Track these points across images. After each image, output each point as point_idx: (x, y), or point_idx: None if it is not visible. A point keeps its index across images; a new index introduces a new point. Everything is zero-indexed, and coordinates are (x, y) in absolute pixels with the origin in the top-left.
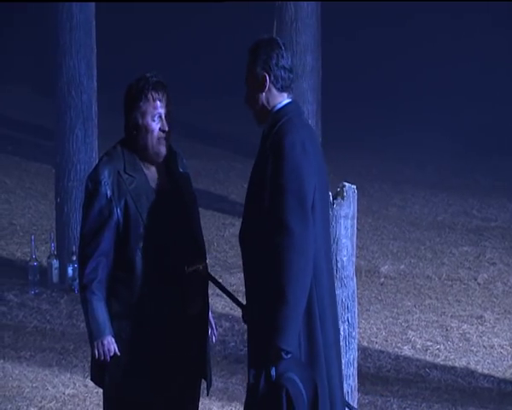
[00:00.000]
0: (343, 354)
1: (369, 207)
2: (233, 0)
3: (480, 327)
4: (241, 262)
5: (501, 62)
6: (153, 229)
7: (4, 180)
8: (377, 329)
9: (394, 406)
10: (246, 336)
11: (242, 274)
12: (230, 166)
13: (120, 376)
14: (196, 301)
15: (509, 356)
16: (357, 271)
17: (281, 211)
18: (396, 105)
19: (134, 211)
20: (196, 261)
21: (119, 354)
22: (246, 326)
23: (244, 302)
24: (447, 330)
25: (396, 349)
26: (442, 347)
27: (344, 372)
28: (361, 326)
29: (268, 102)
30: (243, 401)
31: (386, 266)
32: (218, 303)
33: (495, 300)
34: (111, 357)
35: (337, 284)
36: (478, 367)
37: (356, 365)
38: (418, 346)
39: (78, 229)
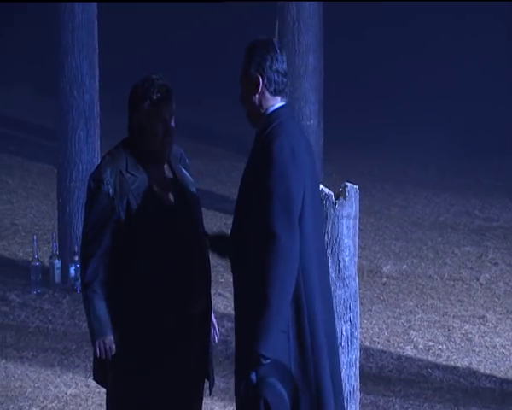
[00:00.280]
0: (345, 353)
1: (371, 207)
2: (234, 0)
3: (482, 327)
4: None
5: (503, 62)
6: (155, 229)
7: (6, 180)
8: (379, 329)
9: (396, 406)
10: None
11: None
12: (232, 166)
13: (123, 376)
14: (199, 302)
15: (511, 356)
16: (360, 271)
17: (267, 215)
18: (398, 105)
19: (136, 210)
20: (199, 270)
21: (120, 353)
22: None
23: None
24: (449, 330)
25: (398, 349)
26: (444, 347)
27: (346, 372)
28: (363, 326)
29: (261, 105)
30: None
31: (388, 266)
32: (220, 303)
33: (497, 300)
34: (112, 356)
35: (339, 284)
36: (480, 367)
37: (358, 365)
38: (420, 346)
39: (81, 229)
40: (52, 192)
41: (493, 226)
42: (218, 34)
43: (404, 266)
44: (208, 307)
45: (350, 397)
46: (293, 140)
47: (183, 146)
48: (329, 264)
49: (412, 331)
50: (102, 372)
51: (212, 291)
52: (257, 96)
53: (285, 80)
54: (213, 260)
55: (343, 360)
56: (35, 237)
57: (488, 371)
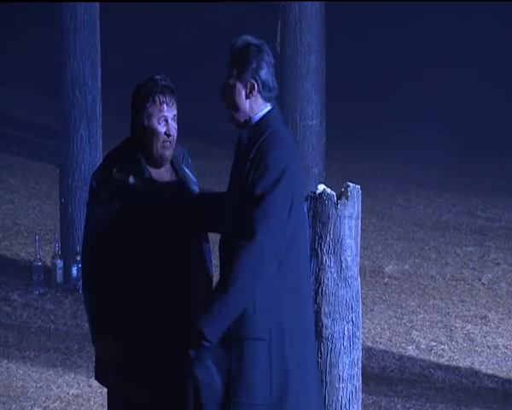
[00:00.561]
0: (347, 353)
1: (374, 207)
2: (236, 0)
3: (485, 327)
4: None
5: (505, 62)
6: (156, 229)
7: (8, 180)
8: (381, 329)
9: (398, 406)
10: None
11: None
12: None
13: (123, 375)
14: (200, 302)
15: None
16: (362, 271)
17: (250, 216)
18: (400, 105)
19: (137, 211)
20: (200, 264)
21: (120, 353)
22: None
23: None
24: (451, 330)
25: (400, 349)
26: (446, 347)
27: (348, 372)
28: (365, 326)
29: (251, 110)
30: None
31: (390, 267)
32: None
33: (499, 300)
34: (113, 356)
35: (341, 284)
36: (482, 367)
37: (360, 365)
38: (422, 346)
39: (83, 229)
40: (54, 192)
41: (495, 226)
42: (219, 34)
43: (406, 266)
44: None
45: (352, 397)
46: (287, 153)
47: (186, 146)
48: (331, 264)
49: (414, 331)
50: (104, 372)
51: None
52: (248, 101)
53: (276, 85)
54: (216, 259)
55: (345, 360)
56: (37, 237)
57: (490, 372)
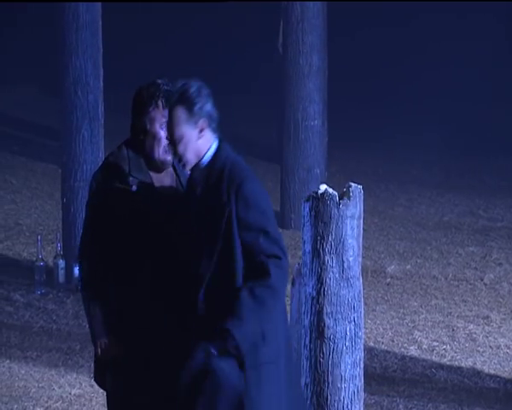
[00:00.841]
0: (349, 354)
1: (376, 207)
2: (239, 0)
3: (487, 327)
4: None
5: (507, 62)
6: (157, 234)
7: (11, 180)
8: (383, 329)
9: (400, 406)
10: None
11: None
12: None
13: (123, 377)
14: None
15: None
16: (364, 271)
17: (262, 246)
18: (402, 105)
19: (137, 215)
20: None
21: (121, 354)
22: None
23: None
24: (453, 330)
25: (402, 349)
26: (448, 347)
27: (350, 373)
28: (367, 326)
29: (204, 147)
30: None
31: (392, 267)
32: None
33: (501, 300)
34: (113, 357)
35: (343, 284)
36: (484, 367)
37: (362, 365)
38: (424, 346)
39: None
40: (56, 192)
41: (497, 226)
42: (221, 34)
43: (409, 267)
44: None
45: (354, 397)
46: (254, 179)
47: None
48: (333, 264)
49: (416, 331)
50: (102, 374)
51: None
52: (200, 140)
53: (217, 115)
54: None
55: (347, 360)
56: (39, 237)
57: (492, 372)
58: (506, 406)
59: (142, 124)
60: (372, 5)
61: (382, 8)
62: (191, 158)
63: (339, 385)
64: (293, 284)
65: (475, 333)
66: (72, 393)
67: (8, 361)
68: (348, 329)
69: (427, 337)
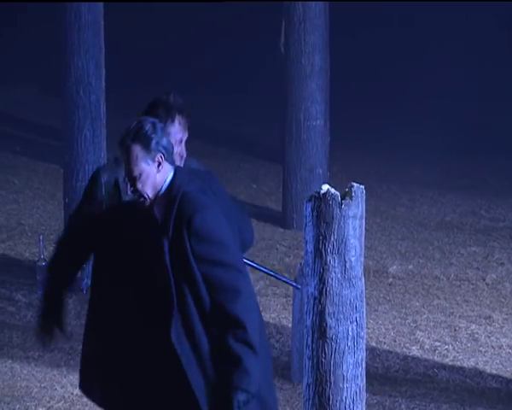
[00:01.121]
0: (351, 354)
1: (378, 207)
2: (241, 0)
3: (489, 327)
4: None
5: (509, 62)
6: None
7: (13, 180)
8: (385, 329)
9: (403, 406)
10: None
11: None
12: (239, 167)
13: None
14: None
15: None
16: (366, 271)
17: (222, 280)
18: (404, 105)
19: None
20: None
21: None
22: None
23: None
24: (455, 330)
25: (404, 350)
26: (450, 347)
27: (352, 373)
28: (369, 326)
29: (161, 181)
30: None
31: (394, 267)
32: None
33: (503, 300)
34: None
35: (345, 284)
36: (486, 368)
37: (364, 365)
38: (426, 346)
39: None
40: (58, 192)
41: (499, 226)
42: (223, 34)
43: (411, 267)
44: None
45: (356, 397)
46: (204, 206)
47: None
48: (335, 264)
49: (418, 332)
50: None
51: None
52: (159, 174)
53: (172, 147)
54: None
55: (349, 360)
56: (41, 237)
57: (494, 372)
58: (508, 406)
59: None
60: (374, 5)
61: (384, 8)
62: (150, 192)
63: (341, 385)
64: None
65: (477, 333)
66: (75, 393)
67: (10, 361)
68: (350, 329)
69: (429, 337)
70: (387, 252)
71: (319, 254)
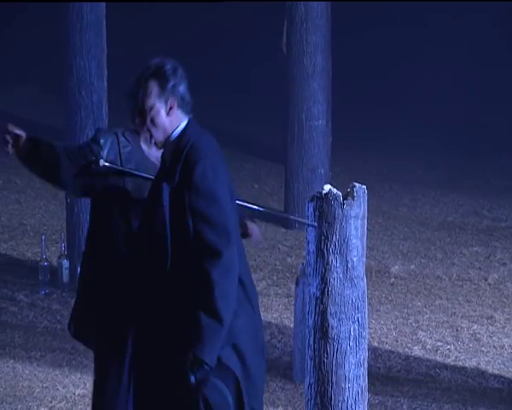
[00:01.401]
0: (353, 354)
1: (380, 207)
2: (242, 0)
3: (491, 327)
4: None
5: (511, 62)
6: (129, 196)
7: (15, 180)
8: (387, 329)
9: (404, 406)
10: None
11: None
12: (241, 167)
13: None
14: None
15: None
16: (368, 271)
17: (204, 237)
18: (406, 105)
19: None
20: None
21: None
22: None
23: None
24: (457, 330)
25: (406, 350)
26: (452, 347)
27: (354, 373)
28: (371, 326)
29: (171, 126)
30: None
31: (396, 267)
32: None
33: (505, 300)
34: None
35: (347, 284)
36: (488, 368)
37: (366, 365)
38: (428, 346)
39: None
40: (60, 192)
41: (502, 227)
42: (226, 34)
43: (413, 267)
44: None
45: (358, 397)
46: (211, 159)
47: None
48: (337, 264)
49: (420, 332)
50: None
51: None
52: (168, 118)
53: (191, 100)
54: None
55: (351, 360)
56: (43, 237)
57: (496, 372)
58: (510, 406)
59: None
60: (376, 5)
61: (386, 8)
62: (158, 135)
63: (343, 385)
64: (297, 284)
65: (479, 333)
66: (77, 393)
67: (12, 361)
68: (352, 329)
69: (431, 337)
70: (389, 252)
71: (321, 254)
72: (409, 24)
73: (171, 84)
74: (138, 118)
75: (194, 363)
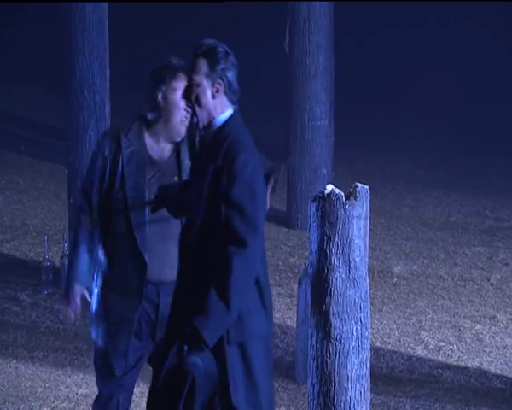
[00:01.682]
0: (356, 354)
1: (382, 207)
2: (247, 0)
3: (493, 327)
4: None
5: None
6: (130, 197)
7: (17, 180)
8: (390, 329)
9: (407, 406)
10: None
11: None
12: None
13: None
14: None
15: None
16: (370, 271)
17: (234, 225)
18: (408, 105)
19: (120, 173)
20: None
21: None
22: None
23: None
24: (460, 330)
25: (409, 350)
26: (455, 347)
27: (356, 373)
28: (374, 327)
29: (215, 110)
30: None
31: (398, 267)
32: None
33: (508, 300)
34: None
35: (349, 284)
36: (491, 368)
37: (368, 365)
38: (431, 346)
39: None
40: (63, 192)
41: (504, 227)
42: (228, 34)
43: (415, 267)
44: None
45: (360, 397)
46: (252, 154)
47: None
48: (340, 264)
49: (423, 332)
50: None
51: None
52: (213, 101)
53: (239, 90)
54: None
55: (354, 360)
56: (46, 237)
57: (499, 372)
58: None
59: (163, 94)
60: (379, 5)
61: (389, 8)
62: (202, 116)
63: (345, 385)
64: (299, 284)
65: (482, 333)
66: (79, 393)
67: (14, 361)
68: (355, 329)
69: (433, 337)
70: (392, 252)
71: (323, 254)
72: (411, 24)
73: (220, 66)
74: (184, 93)
75: (191, 336)
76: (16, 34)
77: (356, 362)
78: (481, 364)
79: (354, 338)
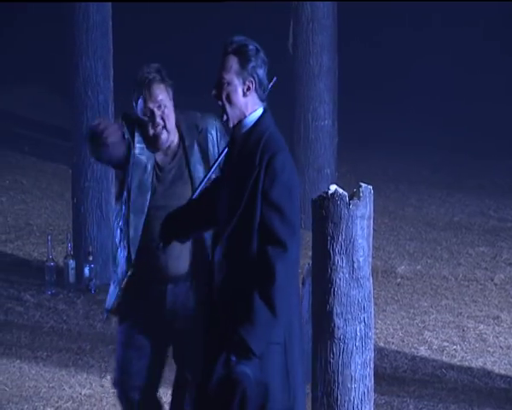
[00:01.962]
0: (359, 354)
1: (386, 207)
2: (250, 0)
3: (497, 328)
4: None
5: None
6: (134, 192)
7: (21, 181)
8: (394, 329)
9: (411, 406)
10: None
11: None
12: None
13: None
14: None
15: None
16: (374, 271)
17: (274, 226)
18: (412, 105)
19: (130, 166)
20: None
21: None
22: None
23: None
24: (464, 330)
25: (412, 350)
26: (459, 347)
27: (360, 373)
28: (377, 327)
29: (246, 108)
30: None
31: (402, 267)
32: None
33: (511, 300)
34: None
35: (353, 284)
36: (495, 368)
37: (372, 365)
38: (435, 346)
39: (95, 229)
40: (67, 192)
41: (508, 227)
42: (229, 34)
43: (419, 267)
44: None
45: (364, 398)
46: (288, 154)
47: None
48: (343, 264)
49: (426, 332)
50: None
51: None
52: (245, 99)
53: (268, 88)
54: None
55: (357, 360)
56: (49, 237)
57: (503, 372)
58: None
59: (139, 105)
60: (382, 5)
61: (393, 8)
62: (234, 114)
63: (349, 385)
64: (303, 284)
65: (485, 333)
66: (83, 393)
67: (18, 361)
68: (358, 329)
69: (437, 338)
70: (396, 252)
71: (327, 254)
72: (415, 25)
73: (251, 64)
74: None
75: (238, 346)
76: (21, 34)
77: (359, 362)
78: (485, 364)
79: (358, 338)
